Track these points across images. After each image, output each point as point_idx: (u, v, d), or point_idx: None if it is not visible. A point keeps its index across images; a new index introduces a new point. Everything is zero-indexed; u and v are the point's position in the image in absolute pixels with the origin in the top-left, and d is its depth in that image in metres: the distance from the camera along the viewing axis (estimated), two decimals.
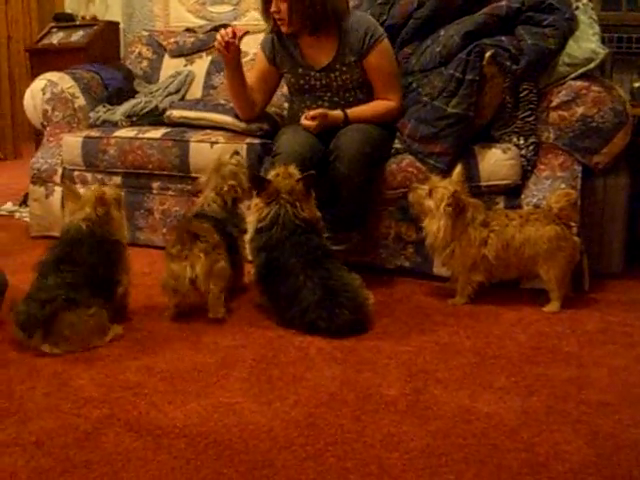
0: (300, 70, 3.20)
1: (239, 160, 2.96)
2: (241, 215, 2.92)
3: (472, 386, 2.10)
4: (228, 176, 2.87)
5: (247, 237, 2.76)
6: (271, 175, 2.69)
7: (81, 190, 3.02)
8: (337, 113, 3.10)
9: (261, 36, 4.05)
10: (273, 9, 3.04)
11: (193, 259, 2.56)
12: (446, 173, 2.85)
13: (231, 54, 3.09)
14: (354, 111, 3.11)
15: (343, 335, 2.45)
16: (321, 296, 2.47)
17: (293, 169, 2.69)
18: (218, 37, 3.07)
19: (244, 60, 3.30)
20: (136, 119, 3.80)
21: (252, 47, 3.97)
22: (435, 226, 2.78)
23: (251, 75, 3.33)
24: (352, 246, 3.04)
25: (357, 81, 3.16)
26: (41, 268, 2.47)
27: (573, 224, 2.80)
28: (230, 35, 3.05)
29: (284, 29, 3.10)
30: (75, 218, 2.53)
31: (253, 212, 2.71)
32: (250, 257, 2.77)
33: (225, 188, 2.84)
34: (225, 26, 4.22)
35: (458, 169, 2.80)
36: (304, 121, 3.06)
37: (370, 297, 2.61)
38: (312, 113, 3.05)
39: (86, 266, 2.45)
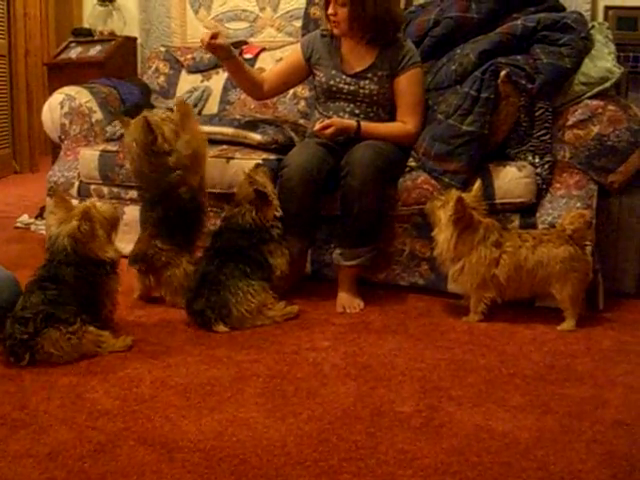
0: (333, 71, 3.23)
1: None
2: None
3: (486, 404, 2.10)
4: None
5: None
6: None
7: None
8: (350, 122, 3.13)
9: (277, 53, 4.10)
10: (330, 11, 3.11)
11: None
12: (462, 190, 2.85)
13: (218, 52, 3.22)
14: (368, 125, 3.13)
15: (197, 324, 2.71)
16: (197, 281, 2.77)
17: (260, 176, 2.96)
18: (202, 38, 3.19)
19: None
20: None
21: (269, 63, 4.01)
22: (442, 236, 2.80)
23: (280, 64, 3.51)
24: (365, 262, 3.04)
25: (383, 96, 3.18)
26: (27, 287, 2.46)
27: (587, 243, 2.79)
28: (209, 36, 3.15)
29: (336, 32, 3.17)
30: (61, 232, 2.48)
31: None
32: None
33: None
34: (242, 43, 4.26)
35: (477, 184, 2.81)
36: (317, 125, 3.10)
37: (253, 304, 2.75)
38: (326, 122, 3.09)
39: (69, 285, 2.44)
